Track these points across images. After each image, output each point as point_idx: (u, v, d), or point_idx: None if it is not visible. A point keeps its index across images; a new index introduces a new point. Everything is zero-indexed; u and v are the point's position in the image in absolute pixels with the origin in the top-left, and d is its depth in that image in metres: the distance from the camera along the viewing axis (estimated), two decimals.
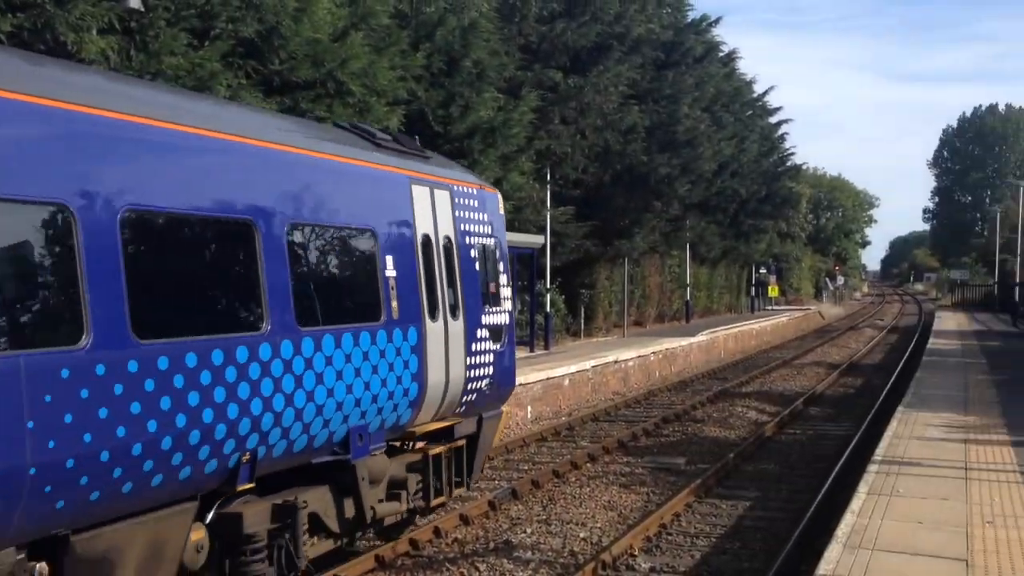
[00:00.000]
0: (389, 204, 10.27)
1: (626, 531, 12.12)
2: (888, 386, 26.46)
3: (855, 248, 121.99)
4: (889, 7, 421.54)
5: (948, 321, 54.49)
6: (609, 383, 26.17)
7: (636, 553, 11.49)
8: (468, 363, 11.49)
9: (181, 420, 7.22)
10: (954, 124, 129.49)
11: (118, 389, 6.67)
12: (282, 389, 8.29)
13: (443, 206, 11.34)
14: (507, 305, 12.91)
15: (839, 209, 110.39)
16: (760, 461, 17.22)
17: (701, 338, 35.87)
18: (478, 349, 11.75)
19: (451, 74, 21.66)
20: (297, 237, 8.73)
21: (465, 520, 12.67)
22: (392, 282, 10.06)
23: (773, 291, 64.53)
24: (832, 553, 9.17)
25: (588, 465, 16.48)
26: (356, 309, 9.61)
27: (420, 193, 10.84)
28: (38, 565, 6.47)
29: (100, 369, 6.53)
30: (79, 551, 6.76)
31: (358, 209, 9.66)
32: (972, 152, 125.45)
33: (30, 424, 6.04)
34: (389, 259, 10.07)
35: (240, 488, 8.17)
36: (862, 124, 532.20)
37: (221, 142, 7.94)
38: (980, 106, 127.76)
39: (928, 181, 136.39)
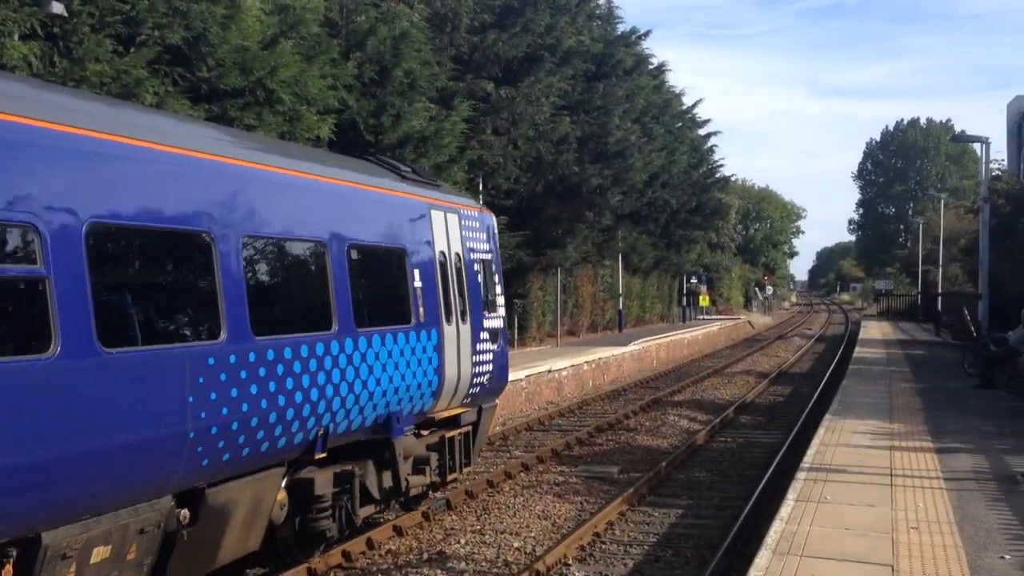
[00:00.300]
0: (414, 226, 12.42)
1: (560, 540, 12.11)
2: (816, 394, 26.87)
3: (783, 258, 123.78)
4: (815, 23, 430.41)
5: (873, 330, 55.56)
6: (543, 392, 26.20)
7: (570, 562, 11.49)
8: (474, 360, 13.63)
9: (281, 400, 9.29)
10: (877, 138, 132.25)
11: (243, 374, 8.75)
12: (346, 378, 10.40)
13: (454, 227, 13.48)
14: (502, 312, 15.05)
15: (767, 220, 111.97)
16: (692, 469, 17.36)
17: (634, 347, 36.11)
18: (481, 349, 13.91)
19: (382, 84, 21.55)
20: (353, 255, 10.85)
21: (399, 532, 12.58)
22: (419, 291, 12.19)
23: (704, 301, 65.19)
24: (762, 560, 9.26)
25: (522, 475, 16.46)
26: (395, 313, 11.79)
27: (437, 216, 13.00)
28: (182, 511, 8.46)
29: (232, 358, 8.63)
30: (210, 501, 8.75)
31: (393, 231, 11.91)
32: (895, 165, 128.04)
33: (190, 399, 8.10)
34: (416, 272, 12.20)
35: (317, 456, 10.30)
36: (789, 137, 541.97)
37: (312, 183, 10.50)
38: (902, 120, 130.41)
39: (853, 193, 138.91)
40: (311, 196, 10.32)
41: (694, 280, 65.53)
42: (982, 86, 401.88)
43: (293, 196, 9.99)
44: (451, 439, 13.56)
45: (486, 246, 14.64)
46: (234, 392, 8.60)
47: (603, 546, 12.29)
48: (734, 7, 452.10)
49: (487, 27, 28.14)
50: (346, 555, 11.44)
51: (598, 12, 41.00)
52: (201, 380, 8.22)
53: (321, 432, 10.09)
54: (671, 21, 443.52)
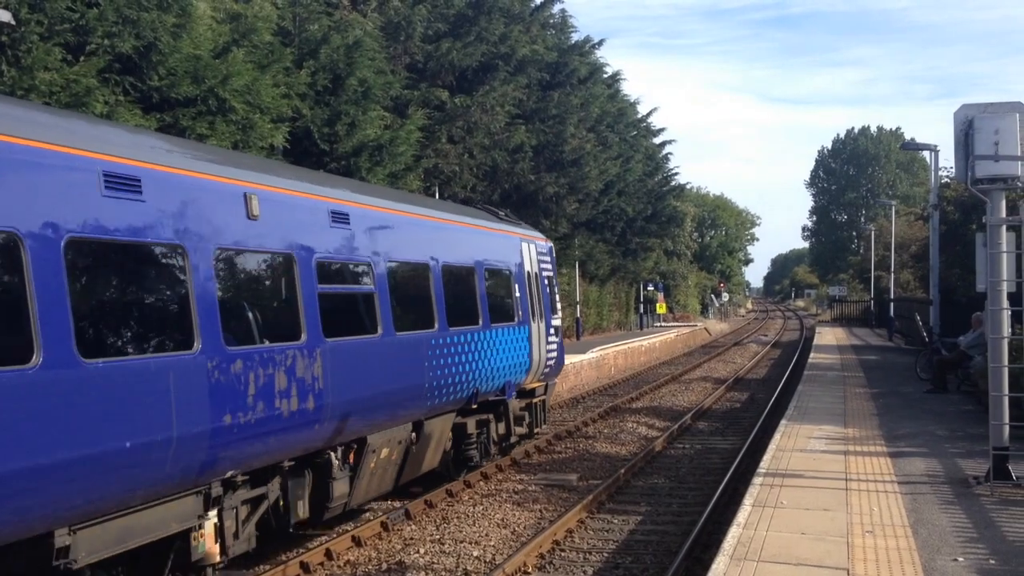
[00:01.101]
0: (514, 253, 17.81)
1: (519, 549, 12.07)
2: (772, 400, 27.07)
3: (739, 265, 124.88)
4: (766, 32, 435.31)
5: (827, 336, 56.10)
6: None
7: (530, 570, 11.46)
8: (546, 349, 19.03)
9: (462, 369, 14.63)
10: (829, 145, 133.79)
11: (445, 351, 14.01)
12: (488, 357, 15.69)
13: (533, 254, 18.87)
14: (559, 314, 20.71)
15: (723, 228, 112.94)
16: (650, 476, 17.41)
17: (592, 355, 36.16)
18: (550, 341, 19.33)
19: (336, 92, 21.47)
20: (486, 274, 16.10)
21: (357, 542, 12.48)
22: (518, 299, 17.44)
23: (661, 308, 65.51)
24: (719, 565, 9.28)
25: (481, 483, 16.41)
26: (507, 314, 16.96)
27: (524, 246, 18.43)
28: (412, 434, 13.57)
29: (442, 339, 13.99)
30: (424, 430, 14.05)
31: (505, 257, 17.21)
32: (847, 172, 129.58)
33: (426, 364, 13.41)
34: (516, 285, 17.48)
35: (473, 407, 15.82)
36: (743, 145, 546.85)
37: (467, 228, 15.91)
38: (853, 128, 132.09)
39: (806, 200, 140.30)
40: (467, 236, 15.84)
41: (651, 287, 65.83)
42: (926, 95, 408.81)
43: (461, 237, 15.60)
44: (533, 404, 18.92)
45: (549, 266, 19.97)
46: (443, 361, 13.97)
47: (563, 554, 12.27)
48: (680, 17, 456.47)
49: (441, 36, 28.15)
50: (304, 566, 11.32)
51: (552, 21, 41.16)
52: (429, 354, 13.56)
53: (474, 392, 15.36)
54: (624, 30, 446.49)
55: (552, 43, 39.14)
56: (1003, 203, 13.04)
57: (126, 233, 8.13)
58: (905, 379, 27.84)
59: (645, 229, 55.38)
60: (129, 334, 8.33)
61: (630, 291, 62.79)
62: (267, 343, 9.94)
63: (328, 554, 11.85)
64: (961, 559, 9.52)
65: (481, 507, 14.73)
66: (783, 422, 19.06)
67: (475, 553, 12.23)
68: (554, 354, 19.58)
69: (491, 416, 16.68)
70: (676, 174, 64.68)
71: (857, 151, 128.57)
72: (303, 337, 10.48)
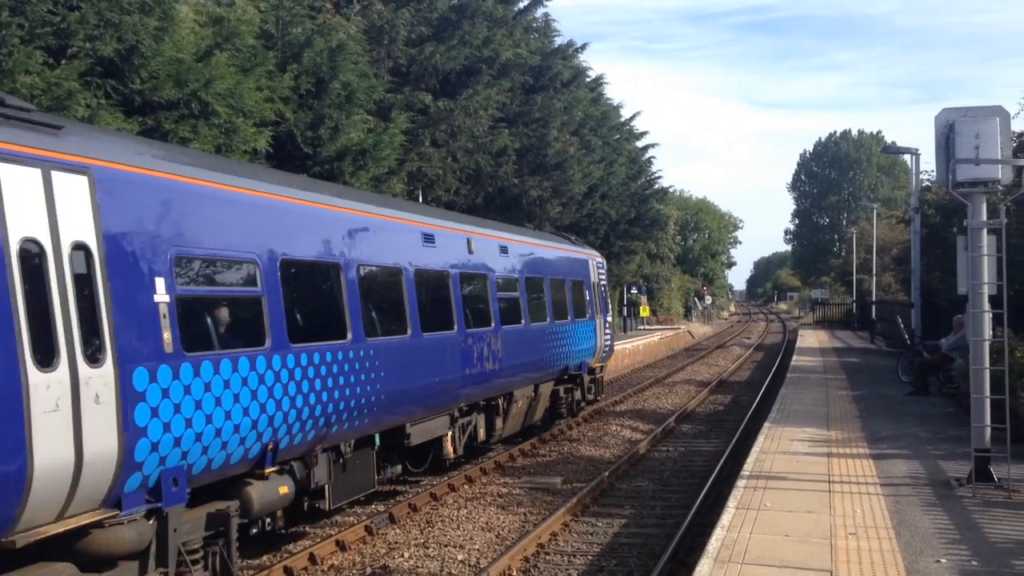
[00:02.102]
0: (584, 268, 24.10)
1: (504, 552, 12.07)
2: (755, 403, 27.15)
3: (722, 268, 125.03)
4: (748, 37, 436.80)
5: (810, 338, 56.28)
6: None
7: (514, 574, 11.46)
8: (604, 337, 25.03)
9: (563, 347, 21.02)
10: (811, 149, 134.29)
11: (562, 335, 20.97)
12: (574, 341, 21.89)
13: (595, 268, 24.92)
14: (610, 312, 26.82)
15: (706, 231, 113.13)
16: (635, 479, 17.43)
17: None
18: (605, 332, 25.29)
19: (319, 96, 21.41)
20: (570, 285, 22.27)
21: (341, 546, 12.45)
22: (588, 301, 23.66)
23: (644, 311, 65.56)
24: (703, 568, 9.30)
25: (466, 487, 16.40)
26: (581, 311, 23.06)
27: (590, 262, 24.69)
28: (533, 392, 19.71)
29: (561, 328, 21.16)
30: (539, 390, 20.18)
31: (578, 272, 23.34)
32: (828, 176, 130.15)
33: (545, 346, 20.06)
34: (587, 291, 23.75)
35: (564, 378, 21.89)
36: (726, 149, 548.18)
37: (560, 252, 22.65)
38: (835, 132, 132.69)
39: (788, 204, 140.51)
40: (562, 257, 22.56)
41: (634, 291, 65.87)
42: (907, 99, 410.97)
43: (560, 257, 22.35)
44: (596, 378, 24.80)
45: (603, 276, 25.83)
46: (552, 344, 20.33)
47: (547, 557, 12.28)
48: (663, 22, 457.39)
49: (424, 39, 28.10)
50: (288, 571, 11.29)
51: (535, 25, 41.08)
52: (545, 339, 20.00)
53: (565, 367, 21.54)
54: (608, 34, 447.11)
55: (535, 47, 39.09)
56: (984, 206, 13.13)
57: (428, 264, 14.82)
58: (887, 381, 27.98)
59: (628, 232, 55.39)
60: (435, 321, 14.67)
61: (614, 294, 62.79)
62: (479, 328, 16.38)
63: (312, 559, 11.82)
64: (944, 560, 9.57)
65: (465, 510, 14.72)
66: (766, 424, 19.13)
67: (459, 557, 12.22)
68: (608, 342, 25.95)
69: (573, 386, 22.75)
70: (659, 177, 64.60)
71: (839, 155, 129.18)
72: (493, 324, 17.09)
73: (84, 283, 7.96)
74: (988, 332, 13.22)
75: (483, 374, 16.22)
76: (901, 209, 68.28)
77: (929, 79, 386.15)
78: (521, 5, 37.08)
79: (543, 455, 19.72)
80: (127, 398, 8.16)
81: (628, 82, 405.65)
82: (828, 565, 9.41)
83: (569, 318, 21.79)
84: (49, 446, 7.39)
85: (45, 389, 7.40)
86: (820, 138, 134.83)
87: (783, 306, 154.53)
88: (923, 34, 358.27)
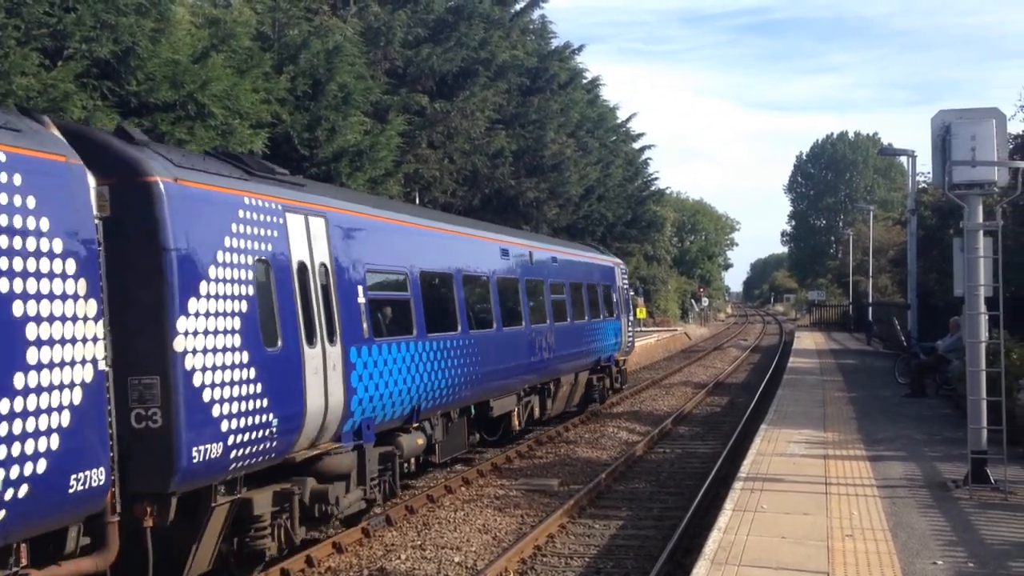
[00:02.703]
0: (611, 274, 27.89)
1: (501, 554, 12.06)
2: (752, 404, 27.15)
3: (718, 270, 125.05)
4: (747, 38, 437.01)
5: (806, 340, 56.33)
6: None
7: None
8: (628, 334, 28.54)
9: (594, 343, 24.87)
10: (807, 151, 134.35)
11: (591, 332, 24.66)
12: (604, 336, 25.85)
13: (619, 274, 28.72)
14: (632, 314, 30.64)
15: (702, 232, 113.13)
16: (631, 481, 17.42)
17: None
18: (628, 329, 28.76)
19: (316, 97, 21.41)
20: (602, 289, 26.32)
21: (338, 548, 12.43)
22: (613, 302, 27.15)
23: (641, 313, 65.47)
24: (700, 570, 9.30)
25: (463, 489, 16.38)
26: (610, 311, 26.67)
27: (616, 269, 28.42)
28: (575, 379, 23.60)
29: (591, 325, 24.70)
30: (577, 378, 23.77)
31: (607, 277, 27.23)
32: (825, 177, 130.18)
33: (591, 339, 24.86)
34: (613, 294, 27.27)
35: (598, 368, 25.56)
36: (723, 150, 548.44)
37: (593, 262, 26.75)
38: (832, 134, 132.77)
39: (785, 205, 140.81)
40: (597, 265, 26.59)
41: (631, 292, 65.80)
42: (905, 101, 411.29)
43: (595, 266, 26.22)
44: (620, 370, 28.37)
45: (627, 281, 30.09)
46: (590, 338, 24.30)
47: (544, 559, 12.26)
48: (661, 23, 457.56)
49: (421, 41, 28.12)
50: (285, 573, 11.27)
51: (532, 27, 41.13)
52: (587, 334, 24.10)
53: (598, 359, 25.15)
54: (606, 36, 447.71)
55: (532, 48, 39.14)
56: (980, 208, 13.14)
57: (505, 273, 18.68)
58: (884, 383, 28.01)
59: (625, 234, 55.42)
60: (510, 317, 18.45)
61: None
62: (538, 324, 20.03)
63: (309, 561, 11.80)
64: (940, 562, 9.57)
65: (462, 512, 14.70)
66: (763, 426, 19.13)
67: (456, 559, 12.20)
68: (631, 338, 29.59)
69: (604, 375, 26.17)
70: (656, 179, 64.75)
71: (835, 156, 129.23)
72: (548, 321, 20.78)
73: (326, 290, 11.67)
74: (984, 334, 13.23)
75: (541, 362, 20.19)
76: (898, 211, 68.36)
77: (926, 81, 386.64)
78: (518, 7, 37.13)
79: (540, 457, 19.70)
80: (347, 368, 11.90)
81: (626, 83, 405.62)
82: (825, 567, 9.41)
83: (602, 317, 25.57)
84: (312, 397, 11.00)
85: (310, 360, 11.05)
86: (817, 140, 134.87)
87: (780, 308, 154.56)
88: (920, 36, 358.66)
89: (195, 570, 9.75)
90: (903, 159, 41.24)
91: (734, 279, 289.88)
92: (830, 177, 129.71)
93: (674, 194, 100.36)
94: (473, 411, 17.07)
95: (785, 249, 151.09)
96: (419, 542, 13.02)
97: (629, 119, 61.31)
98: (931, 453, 16.05)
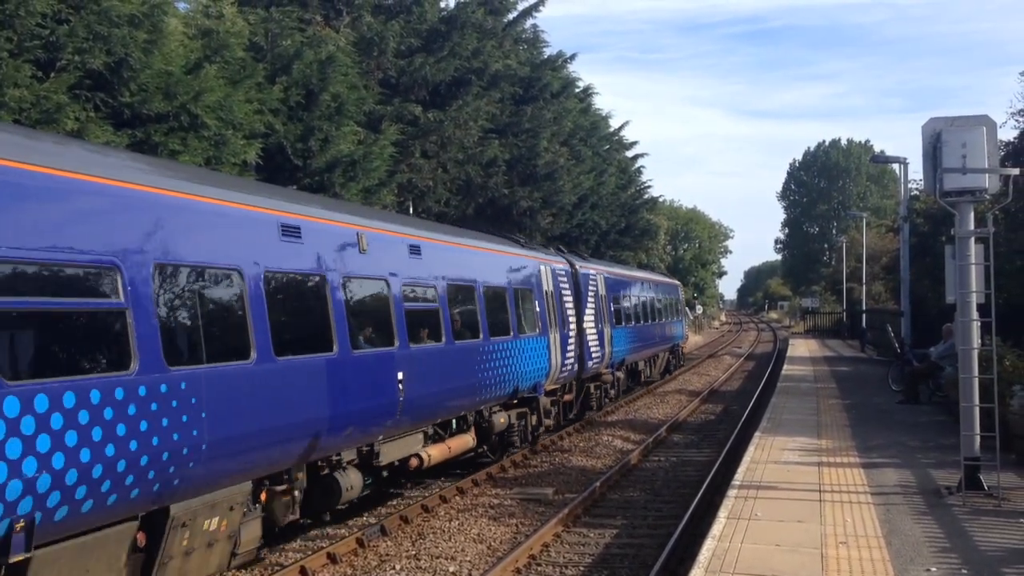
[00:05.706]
0: (668, 287, 44.15)
1: (496, 563, 12.05)
2: (746, 412, 27.18)
3: (712, 278, 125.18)
4: (739, 47, 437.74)
5: (800, 347, 56.39)
6: None
7: None
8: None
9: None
10: (800, 158, 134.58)
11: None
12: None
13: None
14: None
15: (696, 240, 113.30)
16: (626, 489, 17.43)
17: None
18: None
19: (309, 108, 21.42)
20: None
21: (333, 559, 12.42)
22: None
23: None
24: None
25: (457, 498, 16.38)
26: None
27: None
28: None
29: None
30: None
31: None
32: (818, 185, 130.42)
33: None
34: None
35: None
36: (716, 158, 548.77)
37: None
38: (824, 141, 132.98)
39: (778, 213, 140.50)
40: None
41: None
42: (898, 108, 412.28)
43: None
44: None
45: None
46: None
47: (539, 568, 12.26)
48: (656, 32, 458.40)
49: (414, 51, 28.15)
50: None
51: (524, 36, 41.17)
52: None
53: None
54: (598, 45, 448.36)
55: (525, 58, 39.18)
56: (971, 215, 13.19)
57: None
58: (877, 390, 28.04)
59: (619, 242, 55.42)
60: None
61: None
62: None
63: (303, 571, 11.78)
64: (934, 569, 9.59)
65: (457, 522, 14.70)
66: (757, 434, 19.15)
67: (451, 569, 12.20)
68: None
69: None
70: (649, 187, 64.68)
71: (828, 164, 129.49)
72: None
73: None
74: (977, 340, 13.27)
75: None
76: (890, 218, 68.52)
77: (919, 88, 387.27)
78: (511, 16, 37.18)
79: (534, 466, 19.71)
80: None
81: (621, 93, 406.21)
82: (819, 574, 9.42)
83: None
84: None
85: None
86: (809, 147, 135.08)
87: (774, 315, 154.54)
88: (912, 43, 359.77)
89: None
90: (896, 166, 41.34)
91: (728, 286, 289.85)
92: (823, 184, 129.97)
93: (667, 202, 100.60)
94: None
95: (779, 256, 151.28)
96: (414, 552, 13.01)
97: (622, 127, 61.36)
98: (925, 460, 16.08)
